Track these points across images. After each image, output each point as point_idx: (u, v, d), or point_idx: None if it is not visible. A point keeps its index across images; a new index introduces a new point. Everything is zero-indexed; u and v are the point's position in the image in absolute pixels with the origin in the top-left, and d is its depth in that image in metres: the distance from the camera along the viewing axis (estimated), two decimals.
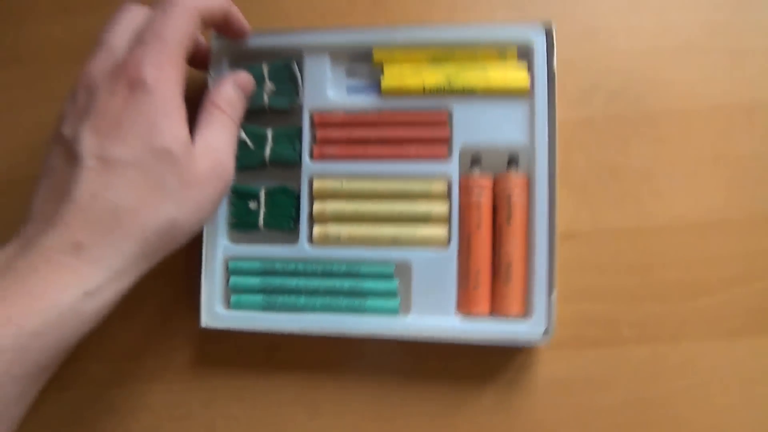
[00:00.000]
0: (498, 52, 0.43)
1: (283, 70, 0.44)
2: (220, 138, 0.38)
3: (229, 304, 0.44)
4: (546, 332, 0.40)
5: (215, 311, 0.44)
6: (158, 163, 0.34)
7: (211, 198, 0.37)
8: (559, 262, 0.42)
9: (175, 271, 0.46)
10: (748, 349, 0.42)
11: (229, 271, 0.44)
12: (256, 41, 0.44)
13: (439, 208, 0.43)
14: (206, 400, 0.46)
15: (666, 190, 0.43)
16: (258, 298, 0.44)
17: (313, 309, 0.43)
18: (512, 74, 0.42)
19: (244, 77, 0.41)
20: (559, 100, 0.43)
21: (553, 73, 0.41)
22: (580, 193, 0.44)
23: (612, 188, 0.44)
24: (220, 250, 0.44)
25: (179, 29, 0.36)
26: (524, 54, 0.43)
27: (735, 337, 0.42)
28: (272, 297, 0.43)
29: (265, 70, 0.44)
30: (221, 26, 0.42)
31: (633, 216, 0.43)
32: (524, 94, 0.42)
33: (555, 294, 0.40)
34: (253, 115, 0.45)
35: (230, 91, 0.40)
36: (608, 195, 0.44)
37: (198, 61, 0.44)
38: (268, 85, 0.44)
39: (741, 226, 0.43)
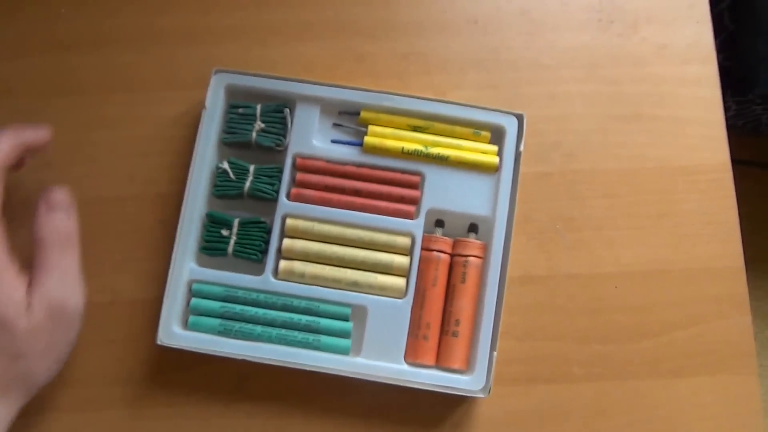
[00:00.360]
0: (473, 131, 0.47)
1: (275, 113, 0.48)
2: (56, 278, 0.39)
3: (186, 325, 0.45)
4: (484, 388, 0.44)
5: (172, 330, 0.45)
6: None
7: (57, 342, 0.39)
8: (516, 304, 0.47)
9: (137, 289, 0.48)
10: (686, 387, 0.47)
11: (192, 293, 0.46)
12: (255, 82, 0.48)
13: (400, 260, 0.46)
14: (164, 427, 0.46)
15: (616, 240, 0.49)
16: (215, 322, 0.45)
17: (268, 339, 0.45)
18: (484, 151, 0.47)
19: (57, 196, 0.41)
20: (522, 155, 0.48)
21: (520, 156, 0.46)
22: (538, 240, 0.49)
23: (567, 237, 0.49)
24: (186, 271, 0.46)
25: None
26: (496, 137, 0.48)
27: (675, 376, 0.48)
28: (230, 323, 0.45)
29: (258, 109, 0.48)
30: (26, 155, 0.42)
31: (585, 263, 0.49)
32: (492, 171, 0.47)
33: (495, 354, 0.44)
34: (240, 149, 0.48)
35: (56, 220, 0.40)
36: (563, 243, 0.49)
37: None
38: (259, 124, 0.47)
39: (681, 275, 0.49)
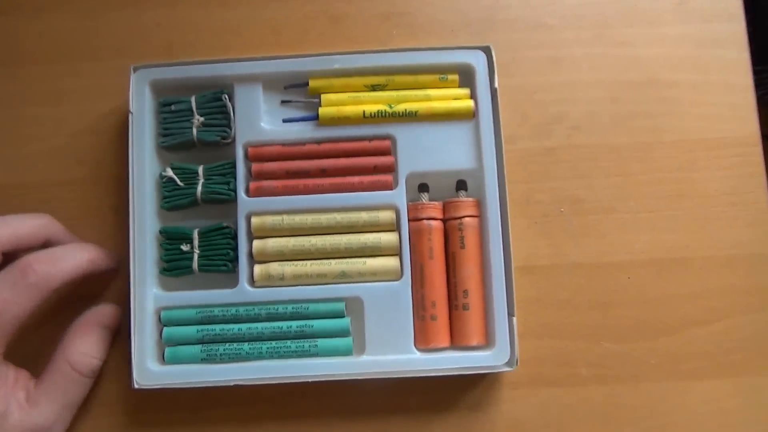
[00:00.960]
0: (439, 77, 0.42)
1: (213, 102, 0.42)
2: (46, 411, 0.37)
3: (163, 359, 0.40)
4: (510, 361, 0.39)
5: (148, 368, 0.39)
6: None
7: None
8: (517, 297, 0.40)
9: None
10: (707, 391, 0.41)
11: (162, 322, 0.40)
12: (182, 72, 0.41)
13: (388, 237, 0.41)
14: None
15: (628, 225, 0.43)
16: (196, 349, 0.39)
17: (259, 356, 0.39)
18: (456, 97, 0.41)
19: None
20: (521, 129, 0.43)
21: (496, 95, 0.41)
22: (540, 225, 0.43)
23: (573, 222, 0.43)
24: (150, 299, 0.40)
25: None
26: (466, 81, 0.42)
27: (694, 378, 0.42)
28: (212, 347, 0.39)
29: (194, 102, 0.42)
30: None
31: (594, 251, 0.43)
32: (469, 118, 0.41)
33: (515, 320, 0.39)
34: (183, 151, 0.42)
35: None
36: (569, 228, 0.43)
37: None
38: (197, 118, 0.41)
39: (702, 264, 0.43)
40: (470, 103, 0.41)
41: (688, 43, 0.44)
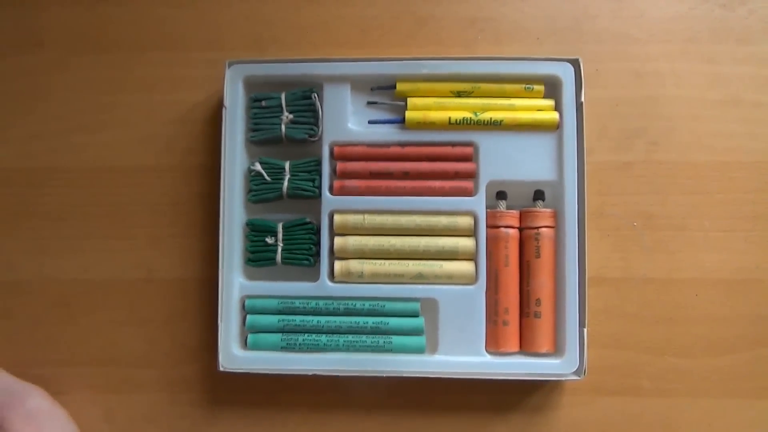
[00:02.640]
0: (524, 87, 0.42)
1: (302, 100, 0.43)
2: None
3: (246, 344, 0.42)
4: (578, 370, 0.40)
5: (232, 353, 0.41)
6: None
7: None
8: (587, 306, 0.41)
9: (191, 309, 0.44)
10: (767, 411, 0.42)
11: (246, 310, 0.42)
12: (274, 70, 0.43)
13: (465, 242, 0.42)
14: None
15: (700, 243, 0.43)
16: (276, 337, 0.42)
17: (335, 348, 0.41)
18: (540, 108, 0.42)
19: None
20: (600, 142, 0.43)
21: (582, 108, 0.41)
22: (612, 238, 0.43)
23: (645, 236, 0.43)
24: (236, 287, 0.42)
25: None
26: (551, 92, 0.43)
27: (756, 398, 0.42)
28: (292, 336, 0.42)
29: (283, 99, 0.43)
30: None
31: (664, 266, 0.43)
32: (552, 129, 0.42)
33: (586, 331, 0.40)
34: (270, 146, 0.44)
35: None
36: (640, 243, 0.43)
37: None
38: (286, 115, 0.43)
39: None
40: (555, 115, 0.42)
41: None
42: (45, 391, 0.42)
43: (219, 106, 0.43)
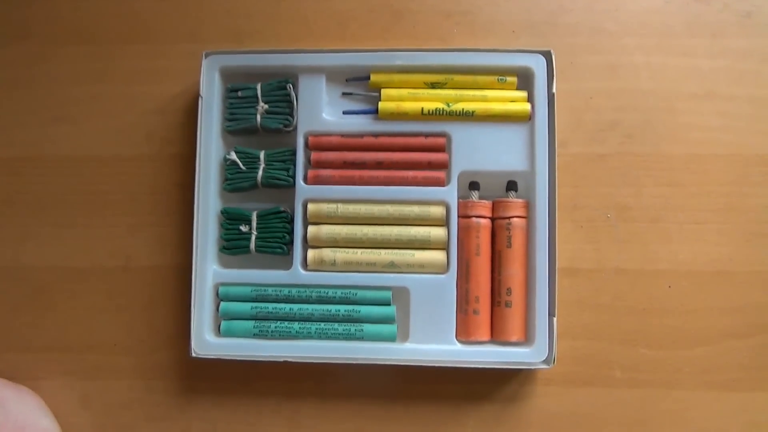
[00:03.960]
0: (497, 79, 0.43)
1: (278, 91, 0.43)
2: None
3: (219, 331, 0.42)
4: (547, 359, 0.40)
5: (205, 339, 0.42)
6: None
7: None
8: (558, 298, 0.41)
9: (167, 297, 0.45)
10: (739, 402, 0.42)
11: (219, 297, 0.43)
12: (251, 61, 0.43)
13: (437, 232, 0.42)
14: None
15: (674, 235, 0.43)
16: (249, 324, 0.42)
17: (308, 335, 0.42)
18: (513, 99, 0.42)
19: None
20: (575, 134, 0.44)
21: (553, 99, 0.42)
22: (586, 230, 0.44)
23: (619, 228, 0.44)
24: (210, 275, 0.43)
25: None
26: (524, 84, 0.43)
27: (727, 390, 0.42)
28: (265, 323, 0.42)
29: (259, 89, 0.43)
30: None
31: (637, 258, 0.43)
32: (524, 120, 0.42)
33: (556, 320, 0.40)
34: (246, 135, 0.44)
35: None
36: (614, 234, 0.44)
37: None
38: (262, 105, 0.43)
39: (744, 279, 0.43)
40: (527, 106, 0.42)
41: (751, 56, 0.44)
42: (5, 380, 0.43)
43: (196, 96, 0.44)
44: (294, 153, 0.43)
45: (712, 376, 0.42)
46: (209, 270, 0.43)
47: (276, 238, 0.43)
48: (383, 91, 0.43)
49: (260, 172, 0.43)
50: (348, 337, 0.41)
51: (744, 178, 0.43)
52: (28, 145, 0.46)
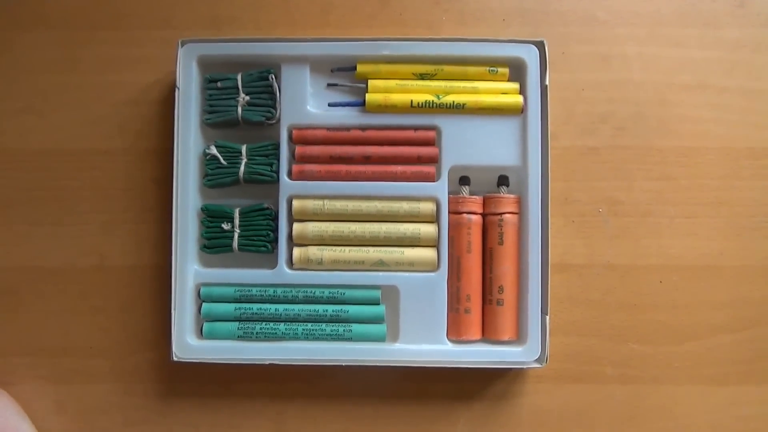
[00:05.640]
0: (488, 70, 0.41)
1: (259, 81, 0.41)
2: None
3: (201, 334, 0.41)
4: (540, 358, 0.40)
5: (187, 342, 0.40)
6: None
7: None
8: (549, 294, 0.41)
9: (144, 297, 0.43)
10: (728, 397, 0.42)
11: (201, 298, 0.41)
12: (230, 49, 0.41)
13: (427, 229, 0.41)
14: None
15: (665, 229, 0.43)
16: (233, 326, 0.40)
17: (294, 337, 0.40)
18: (504, 92, 0.41)
19: None
20: (566, 126, 0.43)
21: (546, 92, 0.40)
22: (577, 224, 0.43)
23: (610, 223, 0.43)
24: (191, 275, 0.41)
25: None
26: (515, 75, 0.42)
27: (716, 384, 0.42)
28: (249, 325, 0.40)
29: (240, 80, 0.41)
30: None
31: (628, 253, 0.43)
32: (516, 113, 0.41)
33: (548, 318, 0.40)
34: (226, 128, 0.42)
35: None
36: (605, 229, 0.43)
37: None
38: (243, 97, 0.41)
39: (734, 273, 0.43)
40: (519, 99, 0.41)
41: (744, 47, 0.43)
42: None
43: (172, 87, 0.42)
44: (277, 147, 0.41)
45: (702, 370, 0.42)
46: (190, 270, 0.41)
47: (260, 235, 0.41)
48: (370, 83, 0.41)
49: (242, 167, 0.41)
50: (336, 337, 0.40)
51: (735, 172, 0.43)
52: None
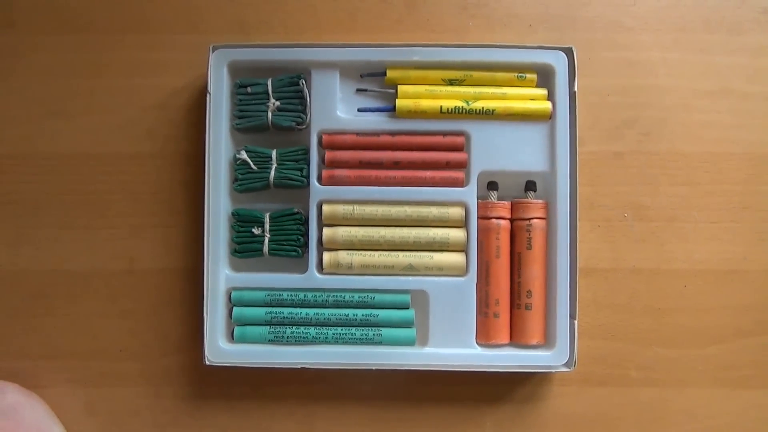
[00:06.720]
0: (517, 76, 0.42)
1: (290, 86, 0.42)
2: None
3: (232, 337, 0.41)
4: (568, 362, 0.40)
5: (219, 346, 0.40)
6: None
7: None
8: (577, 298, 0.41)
9: (174, 301, 0.43)
10: (752, 400, 0.43)
11: (232, 302, 0.41)
12: (261, 55, 0.41)
13: (456, 234, 0.41)
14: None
15: (689, 234, 0.43)
16: (264, 330, 0.41)
17: (324, 341, 0.41)
18: (533, 97, 0.41)
19: None
20: (591, 132, 0.43)
21: (575, 98, 0.41)
22: (602, 229, 0.43)
23: (635, 227, 0.43)
24: (222, 279, 0.41)
25: None
26: (543, 81, 0.42)
27: (740, 387, 0.43)
28: (280, 329, 0.41)
29: (270, 85, 0.42)
30: None
31: (653, 258, 0.43)
32: (545, 119, 0.41)
33: (576, 323, 0.40)
34: (256, 133, 0.42)
35: None
36: (630, 234, 0.43)
37: None
38: (273, 102, 0.41)
39: (759, 278, 0.43)
40: (548, 105, 0.41)
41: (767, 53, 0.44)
42: (18, 385, 0.41)
43: (202, 91, 0.42)
44: (307, 152, 0.42)
45: (726, 373, 0.43)
46: (221, 274, 0.41)
47: (290, 240, 0.41)
48: (400, 88, 0.42)
49: (272, 172, 0.41)
50: (366, 341, 0.41)
51: (758, 177, 0.43)
52: (21, 141, 0.43)
